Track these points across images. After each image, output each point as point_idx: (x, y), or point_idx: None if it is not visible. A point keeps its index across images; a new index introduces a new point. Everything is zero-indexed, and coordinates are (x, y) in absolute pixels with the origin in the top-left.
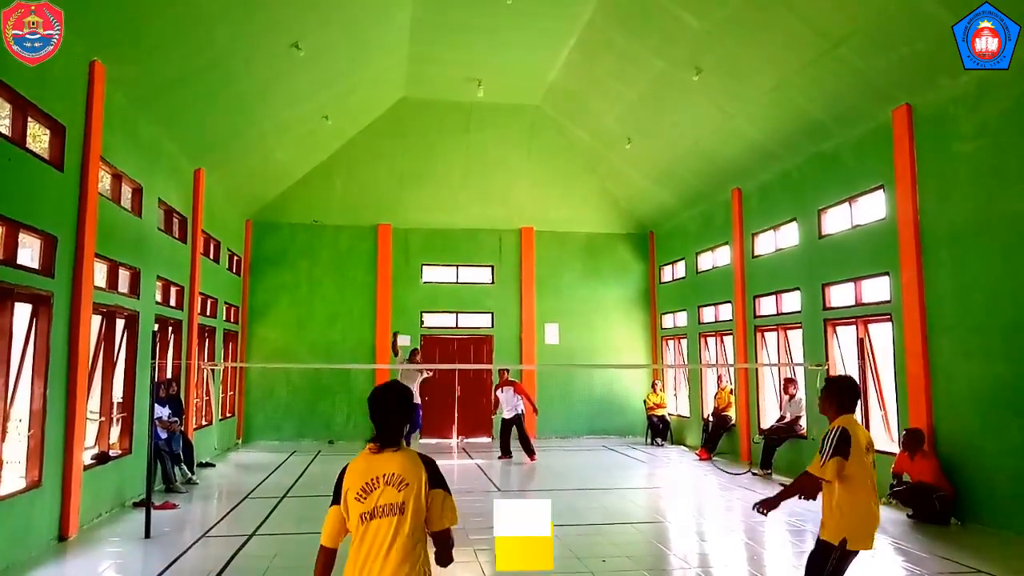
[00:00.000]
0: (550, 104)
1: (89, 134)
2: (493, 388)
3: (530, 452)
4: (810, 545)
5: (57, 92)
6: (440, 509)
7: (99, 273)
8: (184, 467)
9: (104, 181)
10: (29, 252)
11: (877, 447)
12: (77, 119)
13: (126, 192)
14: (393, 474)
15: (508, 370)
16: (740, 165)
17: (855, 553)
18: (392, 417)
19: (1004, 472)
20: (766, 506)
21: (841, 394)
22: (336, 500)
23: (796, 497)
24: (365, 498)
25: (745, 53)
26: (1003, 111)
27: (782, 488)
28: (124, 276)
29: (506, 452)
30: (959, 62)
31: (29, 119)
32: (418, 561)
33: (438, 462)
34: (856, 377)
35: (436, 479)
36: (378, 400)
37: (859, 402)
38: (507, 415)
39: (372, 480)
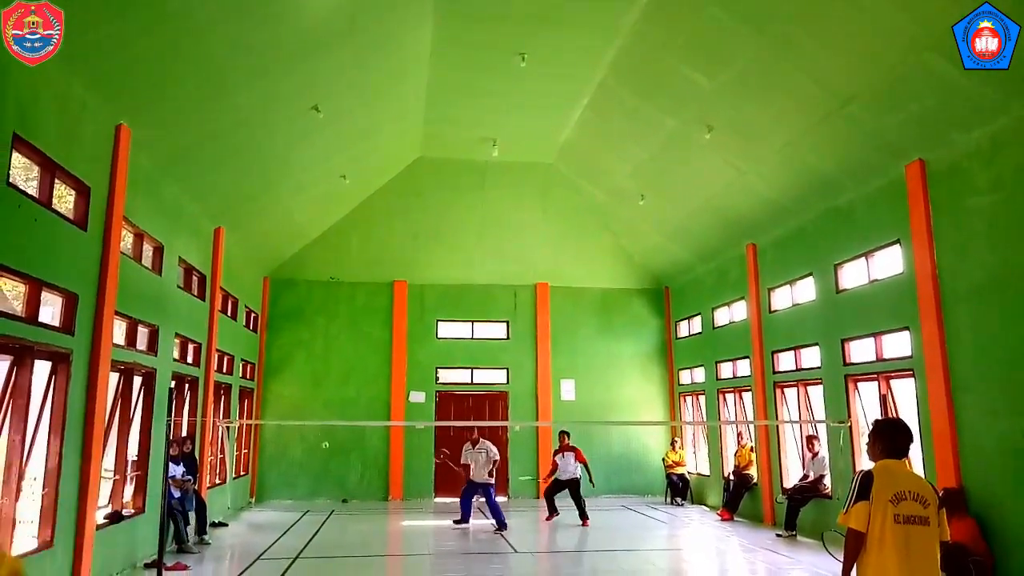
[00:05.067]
0: (564, 162)
1: (113, 195)
2: (553, 453)
3: (584, 516)
4: None
5: (84, 154)
6: None
7: (118, 330)
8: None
9: (126, 240)
10: (51, 310)
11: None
12: (102, 180)
13: (147, 251)
14: None
15: (568, 434)
16: (754, 221)
17: None
18: None
19: None
20: None
21: (876, 438)
22: None
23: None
24: None
25: (755, 112)
26: (1018, 165)
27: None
28: (143, 333)
29: (552, 510)
30: (970, 117)
31: (56, 180)
32: None
33: (452, 521)
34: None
35: None
36: None
37: (904, 446)
38: (563, 477)
39: None
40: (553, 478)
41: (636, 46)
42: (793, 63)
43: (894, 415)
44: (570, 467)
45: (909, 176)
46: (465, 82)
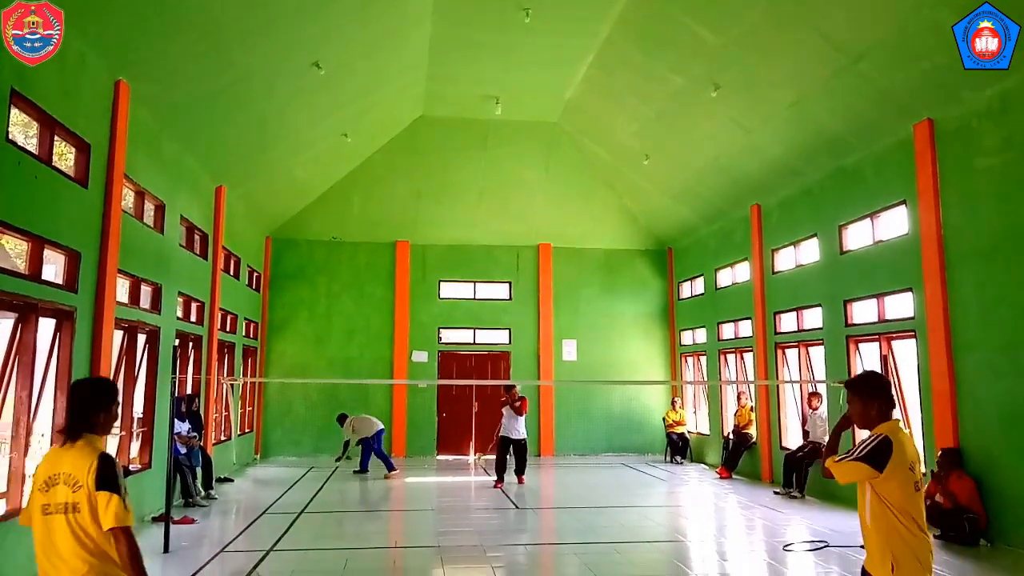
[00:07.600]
0: (568, 121)
1: (113, 152)
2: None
3: (520, 473)
4: (834, 565)
5: (83, 111)
6: (103, 510)
7: (121, 289)
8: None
9: (127, 198)
10: (53, 268)
11: None
12: (102, 137)
13: (149, 209)
14: (68, 473)
15: (514, 386)
16: (759, 181)
17: None
18: (79, 408)
19: None
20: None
21: (872, 397)
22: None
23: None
24: (46, 491)
25: (764, 69)
26: None
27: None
28: (146, 292)
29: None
30: (981, 75)
31: (56, 137)
32: (99, 563)
33: (451, 479)
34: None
35: (104, 481)
36: (73, 389)
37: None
38: (515, 436)
39: (53, 476)
40: (501, 437)
41: (642, 0)
42: (802, 19)
43: (895, 377)
44: (519, 426)
45: (917, 136)
46: (468, 38)
